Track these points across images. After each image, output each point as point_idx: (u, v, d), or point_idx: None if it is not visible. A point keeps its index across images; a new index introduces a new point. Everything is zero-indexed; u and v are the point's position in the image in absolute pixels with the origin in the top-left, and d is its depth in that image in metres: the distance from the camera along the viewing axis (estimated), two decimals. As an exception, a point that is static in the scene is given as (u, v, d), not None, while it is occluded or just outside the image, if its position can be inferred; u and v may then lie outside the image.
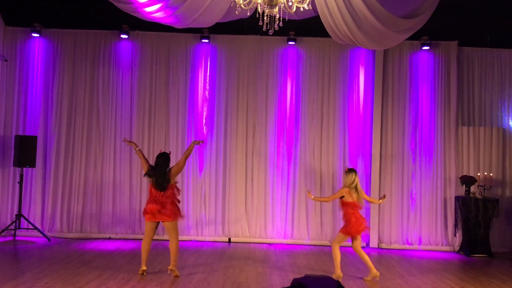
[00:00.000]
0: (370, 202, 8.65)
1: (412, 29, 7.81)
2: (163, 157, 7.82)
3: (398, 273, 8.49)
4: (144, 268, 7.77)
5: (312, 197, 8.15)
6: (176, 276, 7.68)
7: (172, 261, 7.75)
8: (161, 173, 7.71)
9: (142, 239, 10.40)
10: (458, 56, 10.89)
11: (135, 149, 8.05)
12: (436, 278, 8.23)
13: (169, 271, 7.75)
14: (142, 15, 7.77)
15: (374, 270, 7.84)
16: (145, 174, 7.87)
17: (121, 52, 10.92)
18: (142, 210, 8.06)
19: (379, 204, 10.61)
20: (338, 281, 6.14)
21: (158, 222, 7.89)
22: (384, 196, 8.40)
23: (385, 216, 10.73)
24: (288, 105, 10.93)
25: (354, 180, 7.85)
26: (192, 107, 10.89)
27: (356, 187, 7.86)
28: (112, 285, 7.07)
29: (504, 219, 10.71)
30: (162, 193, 7.70)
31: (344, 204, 7.89)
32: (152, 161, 8.02)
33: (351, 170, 7.97)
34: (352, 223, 7.80)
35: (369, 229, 8.09)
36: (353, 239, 7.93)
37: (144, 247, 7.82)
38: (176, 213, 7.79)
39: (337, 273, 7.79)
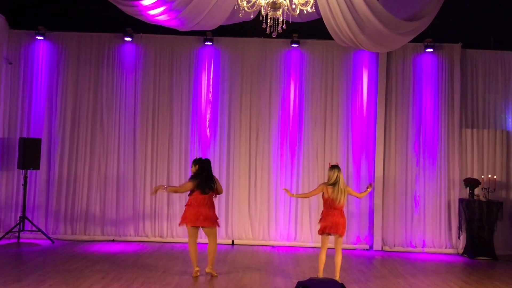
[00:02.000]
0: (359, 197, 8.25)
1: (416, 31, 7.80)
2: (208, 162, 7.96)
3: (402, 275, 8.47)
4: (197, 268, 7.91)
5: (294, 194, 8.02)
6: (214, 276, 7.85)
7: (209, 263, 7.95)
8: (208, 176, 7.87)
9: (145, 241, 10.53)
10: (461, 59, 10.87)
11: (165, 189, 7.91)
12: (439, 280, 8.21)
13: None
14: (145, 18, 7.79)
15: (337, 277, 7.53)
16: (197, 186, 7.78)
17: (124, 55, 10.95)
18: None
19: (383, 207, 10.62)
20: (342, 284, 6.13)
21: (199, 227, 7.92)
22: (370, 185, 8.00)
23: (388, 218, 10.71)
24: (292, 107, 10.93)
25: (333, 177, 7.52)
26: (195, 110, 10.90)
27: (335, 184, 7.50)
28: (115, 287, 7.07)
29: (508, 221, 10.68)
30: (205, 196, 7.78)
31: (323, 201, 7.72)
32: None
33: (332, 167, 7.63)
34: (321, 220, 7.63)
35: (337, 231, 7.52)
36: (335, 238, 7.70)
37: (190, 249, 7.90)
38: (215, 220, 7.94)
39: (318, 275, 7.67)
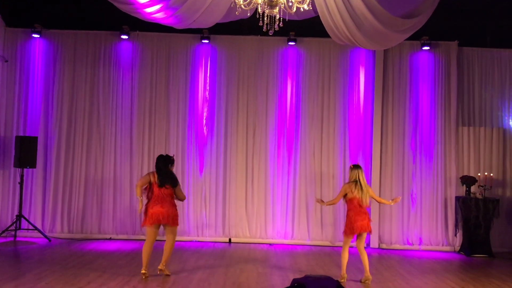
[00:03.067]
0: (379, 202, 8.48)
1: (412, 29, 7.81)
2: (161, 158, 7.83)
3: (399, 273, 8.49)
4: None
5: (325, 203, 8.10)
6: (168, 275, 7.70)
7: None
8: (162, 170, 7.73)
9: (142, 239, 10.49)
10: (458, 56, 10.89)
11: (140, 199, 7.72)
12: (436, 278, 8.23)
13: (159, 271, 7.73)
14: (142, 15, 7.78)
15: (367, 274, 7.78)
16: (157, 179, 7.63)
17: (121, 53, 10.93)
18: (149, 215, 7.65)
19: (381, 205, 10.63)
20: (337, 281, 6.13)
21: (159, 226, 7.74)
22: (397, 199, 8.14)
23: (385, 216, 10.73)
24: (288, 105, 10.93)
25: (354, 176, 7.79)
26: (192, 108, 10.89)
27: (357, 184, 7.76)
28: (112, 286, 7.08)
29: (504, 219, 10.71)
30: (165, 192, 7.61)
31: (346, 202, 7.93)
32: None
33: (354, 167, 7.92)
34: (346, 221, 7.87)
35: (367, 229, 7.78)
36: (357, 237, 7.88)
37: (147, 251, 7.66)
38: (177, 218, 7.79)
39: (342, 274, 7.82)
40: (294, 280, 6.18)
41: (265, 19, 6.43)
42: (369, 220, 7.84)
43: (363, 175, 7.85)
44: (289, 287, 6.12)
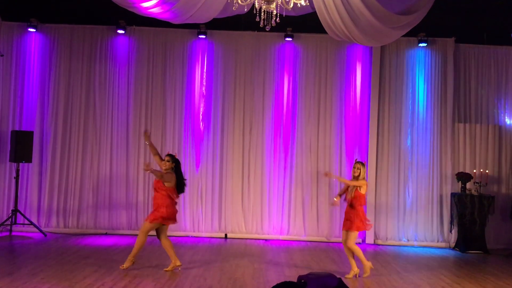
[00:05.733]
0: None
1: (409, 25, 7.82)
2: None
3: (394, 269, 8.52)
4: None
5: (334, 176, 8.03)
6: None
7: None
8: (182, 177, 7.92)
9: (138, 234, 10.48)
10: (454, 53, 10.91)
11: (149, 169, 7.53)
12: (431, 274, 8.25)
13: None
14: (139, 10, 7.75)
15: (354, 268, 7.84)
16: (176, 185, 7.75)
17: (117, 48, 10.90)
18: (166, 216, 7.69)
19: (375, 201, 10.68)
20: (340, 279, 6.15)
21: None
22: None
23: (381, 212, 10.75)
24: (285, 101, 10.93)
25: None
26: (188, 103, 10.88)
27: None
28: (108, 281, 7.07)
29: (499, 216, 10.74)
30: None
31: (359, 197, 7.84)
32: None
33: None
34: (361, 216, 7.88)
35: (349, 227, 7.76)
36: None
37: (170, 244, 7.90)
38: None
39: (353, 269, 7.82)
40: (300, 277, 6.22)
41: (262, 14, 6.43)
42: (347, 217, 7.85)
43: (355, 169, 7.83)
44: (291, 282, 6.12)
